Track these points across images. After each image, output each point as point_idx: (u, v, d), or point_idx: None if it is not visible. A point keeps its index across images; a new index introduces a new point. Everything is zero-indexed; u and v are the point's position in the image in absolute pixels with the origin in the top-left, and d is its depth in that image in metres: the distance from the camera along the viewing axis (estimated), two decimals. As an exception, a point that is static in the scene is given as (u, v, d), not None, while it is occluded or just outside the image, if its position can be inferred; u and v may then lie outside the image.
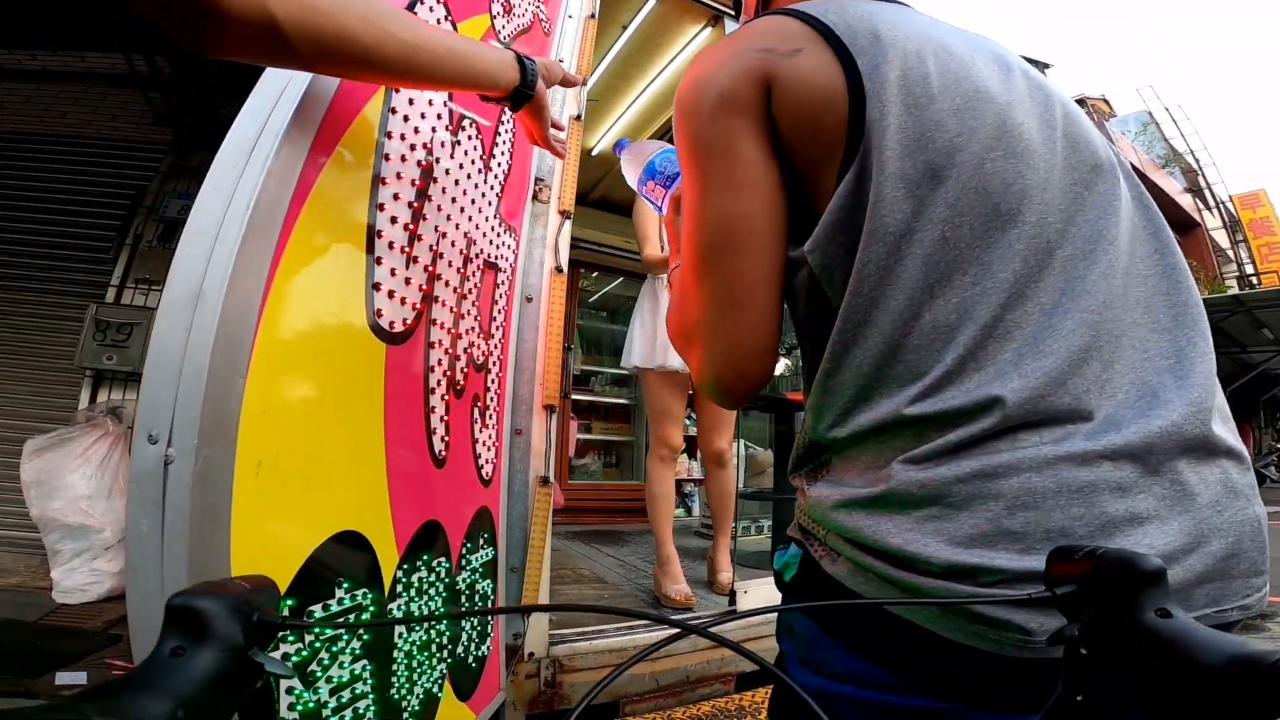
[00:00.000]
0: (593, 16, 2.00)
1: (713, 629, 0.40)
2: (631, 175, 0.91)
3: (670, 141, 0.79)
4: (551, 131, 0.95)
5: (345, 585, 0.79)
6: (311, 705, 0.71)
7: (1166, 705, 0.29)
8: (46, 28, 3.41)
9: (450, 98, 1.12)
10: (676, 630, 0.39)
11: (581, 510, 4.21)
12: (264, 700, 0.34)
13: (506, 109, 0.87)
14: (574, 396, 4.56)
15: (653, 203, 0.88)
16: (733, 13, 0.87)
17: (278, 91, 0.63)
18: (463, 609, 1.21)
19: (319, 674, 0.73)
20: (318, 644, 0.73)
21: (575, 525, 3.99)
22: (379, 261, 0.86)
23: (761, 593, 2.06)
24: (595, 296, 5.50)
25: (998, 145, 0.50)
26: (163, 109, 3.98)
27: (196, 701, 0.30)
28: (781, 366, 5.11)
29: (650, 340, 2.26)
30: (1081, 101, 15.88)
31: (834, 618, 0.51)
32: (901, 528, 0.46)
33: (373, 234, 0.85)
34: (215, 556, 0.58)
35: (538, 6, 1.68)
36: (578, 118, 1.85)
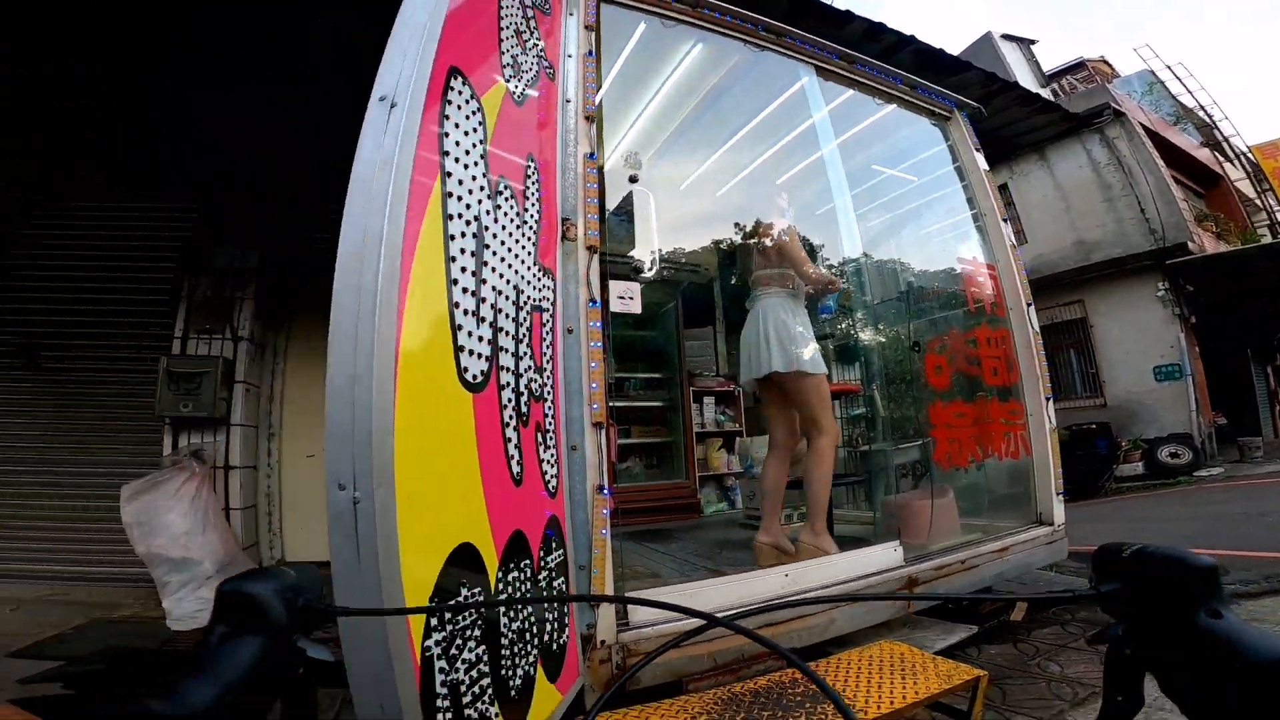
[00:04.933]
0: (590, 54, 2.15)
1: (754, 616, 0.43)
2: None
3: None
4: None
5: (465, 585, 1.01)
6: (455, 679, 0.92)
7: (1222, 705, 0.28)
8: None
9: (487, 168, 1.30)
10: (704, 621, 0.42)
11: (629, 512, 4.35)
12: (306, 685, 0.38)
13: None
14: (612, 404, 4.70)
15: None
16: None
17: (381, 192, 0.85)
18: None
19: (457, 654, 0.94)
20: (454, 631, 0.94)
21: (624, 526, 4.14)
22: (459, 329, 1.07)
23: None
24: (622, 304, 5.65)
25: None
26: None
27: (243, 686, 0.31)
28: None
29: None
30: (1081, 65, 15.31)
31: None
32: None
33: (452, 306, 1.07)
34: (394, 569, 0.79)
35: (540, 55, 1.83)
36: (590, 156, 2.00)
